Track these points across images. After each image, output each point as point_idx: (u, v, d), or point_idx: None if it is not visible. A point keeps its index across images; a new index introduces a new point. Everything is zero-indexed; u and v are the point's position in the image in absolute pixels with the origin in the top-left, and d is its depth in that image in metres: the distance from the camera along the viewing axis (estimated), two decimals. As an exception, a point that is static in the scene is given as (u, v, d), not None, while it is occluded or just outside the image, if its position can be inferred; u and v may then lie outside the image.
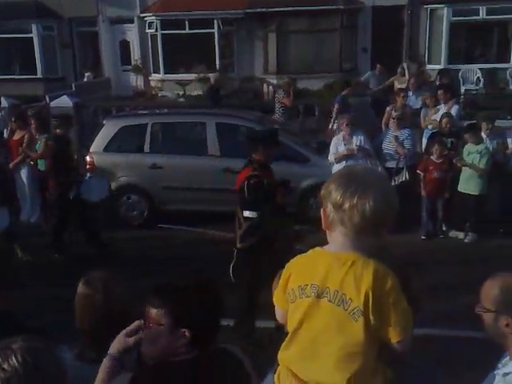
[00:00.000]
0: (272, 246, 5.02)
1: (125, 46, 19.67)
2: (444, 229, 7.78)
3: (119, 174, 8.61)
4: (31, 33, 19.08)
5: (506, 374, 1.99)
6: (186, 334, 1.89)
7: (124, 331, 2.05)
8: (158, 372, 1.97)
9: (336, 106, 10.44)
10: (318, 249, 1.88)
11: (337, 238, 1.82)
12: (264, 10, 17.51)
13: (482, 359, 2.25)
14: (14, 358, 1.49)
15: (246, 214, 5.02)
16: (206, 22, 18.19)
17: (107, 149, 8.70)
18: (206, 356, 1.97)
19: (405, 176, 7.76)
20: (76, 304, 2.39)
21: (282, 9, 17.27)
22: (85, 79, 18.44)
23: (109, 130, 8.89)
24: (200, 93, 17.51)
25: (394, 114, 8.33)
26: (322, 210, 1.85)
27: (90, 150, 8.68)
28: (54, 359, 1.61)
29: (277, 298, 1.97)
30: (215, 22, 18.21)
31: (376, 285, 1.71)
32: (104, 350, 2.25)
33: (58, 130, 7.95)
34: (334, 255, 1.79)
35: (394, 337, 1.75)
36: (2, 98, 12.52)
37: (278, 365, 1.93)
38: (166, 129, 9.29)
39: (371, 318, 1.71)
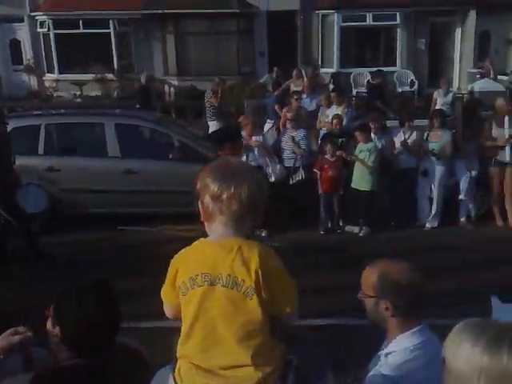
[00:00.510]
0: None
1: (15, 45, 18.59)
2: (341, 224, 8.08)
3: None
4: None
5: (387, 354, 2.10)
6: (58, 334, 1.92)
7: (9, 330, 1.95)
8: (53, 378, 1.92)
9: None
10: (202, 240, 1.94)
11: (217, 227, 1.90)
12: (160, 11, 17.27)
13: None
14: None
15: None
16: (100, 22, 17.70)
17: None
18: (105, 359, 1.93)
19: (301, 175, 8.00)
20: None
21: (179, 10, 17.12)
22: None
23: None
24: (98, 93, 16.97)
25: (288, 115, 8.55)
26: (199, 202, 1.92)
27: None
28: None
29: (165, 294, 1.99)
30: (111, 22, 17.75)
31: (263, 263, 1.82)
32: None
33: None
34: (219, 244, 1.87)
35: (284, 309, 1.89)
36: None
37: (176, 360, 1.92)
38: (61, 130, 8.85)
39: (263, 294, 1.81)
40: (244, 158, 7.59)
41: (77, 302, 1.97)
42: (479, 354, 1.32)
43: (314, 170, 8.04)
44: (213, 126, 10.87)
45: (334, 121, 8.32)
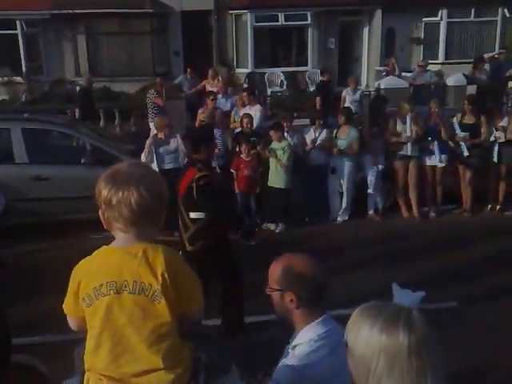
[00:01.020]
0: (222, 247, 4.90)
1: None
2: (258, 221, 8.21)
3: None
4: None
5: (294, 347, 2.17)
6: None
7: None
8: None
9: None
10: (105, 247, 1.90)
11: (117, 234, 1.87)
12: (71, 11, 16.69)
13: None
14: None
15: (193, 215, 4.75)
16: (7, 23, 16.82)
17: None
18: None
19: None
20: None
21: (89, 10, 16.62)
22: None
23: None
24: (5, 97, 16.17)
25: (201, 116, 8.56)
26: (100, 210, 1.87)
27: None
28: None
29: (68, 306, 1.93)
30: (18, 22, 16.94)
31: (168, 265, 1.81)
32: None
33: None
34: (124, 250, 1.84)
35: (192, 307, 1.91)
36: None
37: (83, 374, 1.89)
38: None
39: (171, 295, 1.81)
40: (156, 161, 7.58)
41: None
42: (377, 334, 1.39)
43: (231, 169, 8.11)
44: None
45: (245, 120, 8.43)
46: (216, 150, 8.05)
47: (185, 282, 1.87)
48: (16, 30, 16.98)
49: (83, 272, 1.87)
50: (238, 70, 17.79)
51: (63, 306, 1.96)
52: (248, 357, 3.31)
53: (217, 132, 8.25)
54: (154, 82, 12.40)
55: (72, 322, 1.97)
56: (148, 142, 7.88)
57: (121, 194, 1.79)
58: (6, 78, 16.36)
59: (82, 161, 7.98)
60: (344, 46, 18.75)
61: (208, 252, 4.75)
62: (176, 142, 7.91)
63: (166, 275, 1.79)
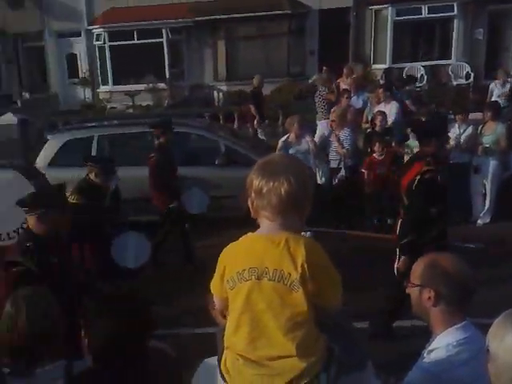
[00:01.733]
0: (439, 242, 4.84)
1: (72, 59, 19.48)
2: (389, 222, 8.01)
3: (66, 190, 8.50)
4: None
5: (430, 351, 2.15)
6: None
7: None
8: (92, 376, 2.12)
9: None
10: (250, 234, 2.01)
11: (264, 222, 1.97)
12: (212, 17, 17.64)
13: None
14: None
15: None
16: (154, 32, 18.22)
17: (52, 164, 8.58)
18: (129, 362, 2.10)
19: (344, 175, 7.95)
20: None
21: (229, 16, 17.43)
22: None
23: (53, 144, 8.80)
24: (150, 103, 17.51)
25: (331, 115, 8.54)
26: (249, 199, 1.99)
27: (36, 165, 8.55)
28: None
29: (214, 287, 2.08)
30: (163, 31, 18.26)
31: (309, 257, 1.87)
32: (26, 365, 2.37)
33: None
34: (267, 237, 1.93)
35: (329, 301, 1.95)
36: None
37: (222, 352, 2.02)
38: (113, 141, 9.23)
39: (309, 286, 1.87)
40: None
41: (106, 310, 2.14)
42: None
43: (362, 170, 8.01)
44: (323, 124, 10.12)
45: (378, 117, 8.25)
46: (344, 151, 8.02)
47: (324, 276, 1.92)
48: (162, 38, 18.32)
49: (229, 256, 2.01)
50: (375, 66, 17.48)
51: (210, 285, 2.11)
52: (381, 360, 3.24)
53: (345, 131, 8.19)
54: (319, 78, 12.25)
55: (217, 301, 2.12)
56: (279, 145, 8.06)
57: (271, 183, 1.90)
58: (150, 85, 17.73)
59: (216, 162, 8.39)
60: (492, 37, 17.58)
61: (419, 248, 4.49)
62: (307, 143, 7.99)
63: (306, 266, 1.86)
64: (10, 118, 12.06)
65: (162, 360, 2.26)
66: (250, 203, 2.01)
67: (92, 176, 5.80)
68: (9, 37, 19.04)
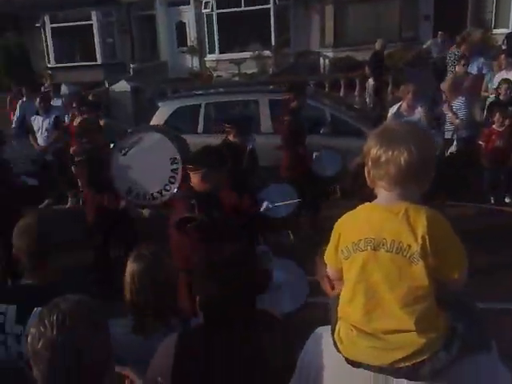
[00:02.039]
0: None
1: (181, 27, 19.94)
2: (506, 200, 7.51)
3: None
4: (91, 20, 19.70)
5: None
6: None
7: None
8: (204, 333, 2.17)
9: None
10: (367, 204, 1.96)
11: (381, 192, 1.91)
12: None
13: None
14: (54, 317, 1.57)
15: None
16: (261, -1, 18.16)
17: (162, 130, 8.90)
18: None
19: (456, 146, 7.53)
20: (126, 278, 2.56)
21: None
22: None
23: (163, 112, 9.11)
24: (254, 71, 17.57)
25: (442, 85, 8.06)
26: (365, 167, 1.94)
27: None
28: (95, 330, 1.63)
29: (328, 257, 2.05)
30: (272, -4, 18.14)
31: (431, 228, 1.79)
32: (151, 320, 2.46)
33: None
34: (385, 208, 1.87)
35: (452, 275, 1.85)
36: (63, 85, 13.06)
37: (336, 322, 1.99)
38: (219, 108, 9.40)
39: (430, 259, 1.79)
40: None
41: (217, 271, 2.19)
42: None
43: (480, 141, 7.54)
44: None
45: (503, 86, 7.67)
46: (457, 121, 7.56)
47: (447, 249, 1.83)
48: (269, 4, 18.20)
49: (344, 226, 1.97)
50: (496, 31, 16.26)
51: (324, 255, 2.08)
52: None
53: (459, 100, 7.71)
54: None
55: (331, 272, 2.09)
56: (389, 115, 7.77)
57: (390, 152, 1.84)
58: (256, 53, 17.75)
59: (321, 131, 8.26)
60: None
61: None
62: (419, 113, 7.62)
63: (427, 238, 1.78)
64: (123, 86, 12.68)
65: (269, 323, 2.28)
66: (366, 172, 1.94)
67: (231, 137, 5.90)
68: (122, 6, 19.83)
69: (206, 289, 2.18)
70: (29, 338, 1.58)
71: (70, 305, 1.60)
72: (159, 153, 5.81)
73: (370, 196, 1.97)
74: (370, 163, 1.90)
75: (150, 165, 5.83)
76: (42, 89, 12.26)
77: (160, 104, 9.59)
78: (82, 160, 5.99)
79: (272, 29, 18.41)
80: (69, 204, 8.84)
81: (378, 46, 12.75)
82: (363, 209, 1.95)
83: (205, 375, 2.12)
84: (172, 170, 5.99)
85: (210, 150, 4.10)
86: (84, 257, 6.09)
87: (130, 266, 2.57)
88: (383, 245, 1.83)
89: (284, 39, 18.60)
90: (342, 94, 13.13)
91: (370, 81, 12.18)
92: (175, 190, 5.75)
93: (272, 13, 18.32)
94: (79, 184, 8.49)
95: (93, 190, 5.82)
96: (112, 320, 2.57)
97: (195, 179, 3.72)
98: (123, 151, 5.91)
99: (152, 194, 5.99)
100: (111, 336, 2.33)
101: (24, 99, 10.80)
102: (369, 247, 1.85)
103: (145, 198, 6.01)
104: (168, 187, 5.96)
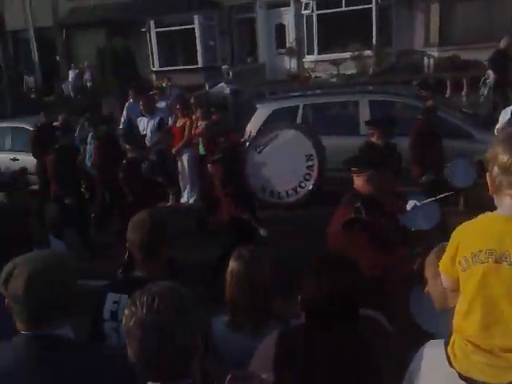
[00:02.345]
0: None
1: (280, 29, 20.10)
2: None
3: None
4: (193, 24, 20.37)
5: None
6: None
7: None
8: (305, 332, 2.17)
9: None
10: (488, 214, 1.88)
11: (505, 201, 1.83)
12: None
13: None
14: (145, 298, 1.65)
15: None
16: (364, -2, 17.91)
17: (260, 132, 9.01)
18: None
19: None
20: (227, 276, 2.61)
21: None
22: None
23: (261, 113, 9.22)
24: (353, 71, 17.34)
25: None
26: (487, 173, 1.87)
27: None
28: (185, 310, 1.69)
29: (445, 267, 1.99)
30: (374, -4, 17.84)
31: None
32: (250, 319, 2.48)
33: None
34: (508, 218, 1.79)
35: None
36: (170, 88, 13.61)
37: (451, 334, 1.92)
38: (317, 110, 9.36)
39: None
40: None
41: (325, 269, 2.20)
42: None
43: None
44: None
45: None
46: None
47: None
48: (371, 3, 17.90)
49: (463, 235, 1.90)
50: None
51: (440, 263, 2.03)
52: None
53: None
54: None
55: (446, 281, 2.03)
56: (501, 119, 7.34)
57: None
58: (356, 53, 17.50)
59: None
60: None
61: None
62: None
63: None
64: (223, 88, 12.98)
65: (375, 329, 2.24)
66: (488, 178, 1.86)
67: (374, 138, 5.84)
68: (224, 9, 20.32)
69: (314, 287, 2.16)
70: (123, 318, 1.68)
71: (160, 288, 1.68)
72: (295, 150, 5.80)
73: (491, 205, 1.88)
74: (496, 170, 1.81)
75: (284, 162, 5.82)
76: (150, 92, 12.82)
77: (258, 106, 9.72)
78: (218, 158, 6.04)
79: (373, 28, 18.08)
80: (170, 202, 9.17)
81: (503, 44, 12.23)
82: (484, 218, 1.87)
83: (305, 375, 2.11)
84: (308, 167, 5.98)
85: (373, 152, 4.03)
86: (192, 254, 6.25)
87: (230, 265, 2.61)
88: (506, 258, 1.74)
89: (385, 38, 18.19)
90: (447, 94, 12.61)
91: (491, 78, 11.62)
92: (310, 187, 5.73)
93: (374, 12, 17.99)
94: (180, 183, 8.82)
95: (228, 189, 5.81)
96: (215, 317, 2.65)
97: (359, 182, 3.63)
98: (258, 149, 5.98)
99: (287, 192, 5.97)
100: (213, 332, 2.39)
101: (130, 101, 11.37)
102: (490, 259, 1.76)
103: (279, 196, 6.02)
104: (303, 184, 5.95)
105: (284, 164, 5.93)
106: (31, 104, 19.08)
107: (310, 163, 5.90)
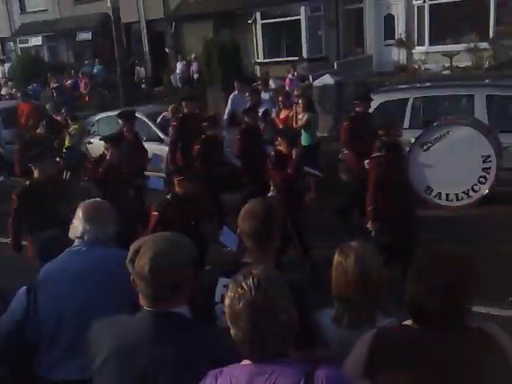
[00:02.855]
0: None
1: (389, 20, 19.58)
2: None
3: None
4: (299, 15, 20.34)
5: None
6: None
7: None
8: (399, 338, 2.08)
9: None
10: None
11: None
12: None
13: None
14: (251, 280, 1.75)
15: None
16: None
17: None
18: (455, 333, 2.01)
19: None
20: (332, 271, 2.60)
21: None
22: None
23: (369, 105, 9.04)
24: (468, 64, 16.53)
25: None
26: None
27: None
28: (286, 295, 1.78)
29: None
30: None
31: None
32: (359, 314, 2.46)
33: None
34: None
35: None
36: (271, 80, 13.72)
37: None
38: (428, 103, 9.02)
39: None
40: None
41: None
42: None
43: None
44: None
45: None
46: None
47: None
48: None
49: None
50: None
51: None
52: None
53: None
54: None
55: None
56: None
57: None
58: (471, 44, 16.66)
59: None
60: None
61: None
62: None
63: None
64: (327, 80, 12.88)
65: (489, 349, 2.04)
66: None
67: None
68: (331, 0, 20.11)
69: (423, 287, 2.06)
70: (226, 301, 1.77)
71: (260, 271, 1.79)
72: (469, 149, 5.39)
73: None
74: None
75: (456, 162, 5.44)
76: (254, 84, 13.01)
77: (365, 98, 9.52)
78: (377, 157, 5.90)
79: (491, 18, 17.11)
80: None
81: None
82: None
83: (397, 376, 2.01)
84: (484, 169, 5.59)
85: None
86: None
87: (336, 259, 2.59)
88: None
89: (504, 31, 17.14)
90: None
91: None
92: (486, 191, 5.33)
93: (492, 1, 17.02)
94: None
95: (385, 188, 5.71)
96: (323, 309, 2.65)
97: None
98: (425, 146, 5.68)
99: (456, 195, 5.62)
100: (320, 324, 2.38)
101: (235, 92, 11.58)
102: None
103: (447, 199, 5.68)
104: (477, 187, 5.53)
105: (455, 164, 5.47)
106: (141, 94, 20.07)
107: (486, 165, 5.45)
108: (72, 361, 2.72)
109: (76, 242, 2.90)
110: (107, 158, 6.68)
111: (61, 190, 5.91)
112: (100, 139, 6.94)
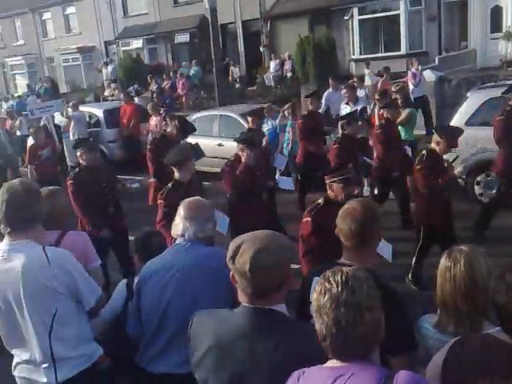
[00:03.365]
0: None
1: (496, 12, 18.62)
2: None
3: (479, 150, 8.32)
4: (398, 10, 19.84)
5: None
6: None
7: None
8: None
9: None
10: None
11: None
12: None
13: None
14: (339, 277, 1.78)
15: None
16: None
17: (469, 122, 8.47)
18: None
19: None
20: (438, 275, 2.51)
21: None
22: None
23: (472, 102, 8.66)
24: None
25: None
26: None
27: (451, 124, 8.61)
28: (373, 296, 1.80)
29: None
30: None
31: None
32: (463, 325, 2.38)
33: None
34: None
35: None
36: (366, 76, 13.49)
37: None
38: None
39: None
40: None
41: None
42: None
43: None
44: None
45: None
46: None
47: None
48: None
49: None
50: None
51: None
52: None
53: None
54: None
55: None
56: None
57: None
58: None
59: None
60: None
61: None
62: None
63: None
64: (429, 76, 12.47)
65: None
66: None
67: None
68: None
69: None
70: (314, 295, 1.81)
71: (350, 270, 1.83)
72: None
73: None
74: None
75: None
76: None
77: (469, 94, 9.15)
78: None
79: None
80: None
81: None
82: None
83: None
84: None
85: None
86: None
87: (442, 264, 2.50)
88: None
89: None
90: None
91: None
92: None
93: None
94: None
95: None
96: (424, 316, 2.58)
97: None
98: None
99: None
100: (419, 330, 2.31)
101: (330, 90, 11.53)
102: None
103: None
104: None
105: None
106: (235, 93, 20.43)
107: None
108: (173, 355, 2.82)
109: (178, 240, 3.01)
110: (243, 160, 6.35)
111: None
112: (234, 140, 6.93)
